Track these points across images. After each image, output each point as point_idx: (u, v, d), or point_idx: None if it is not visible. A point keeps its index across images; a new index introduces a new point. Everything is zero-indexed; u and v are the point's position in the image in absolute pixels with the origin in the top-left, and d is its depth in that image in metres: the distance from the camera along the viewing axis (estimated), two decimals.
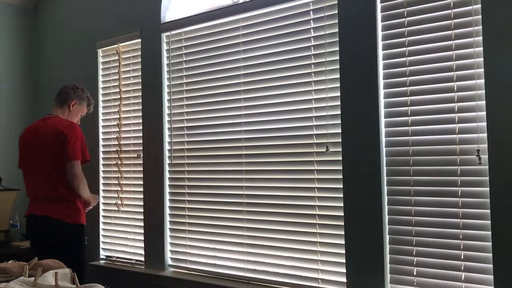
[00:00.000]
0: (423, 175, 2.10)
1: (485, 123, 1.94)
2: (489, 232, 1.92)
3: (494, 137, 1.91)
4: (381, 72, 2.23)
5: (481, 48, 1.96)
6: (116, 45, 3.31)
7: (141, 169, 3.16)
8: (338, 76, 2.35)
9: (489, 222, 1.92)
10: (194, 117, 2.94)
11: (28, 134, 2.91)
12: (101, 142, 3.47)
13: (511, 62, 1.89)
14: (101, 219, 3.44)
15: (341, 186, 2.32)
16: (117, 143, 3.31)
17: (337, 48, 2.36)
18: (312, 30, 2.47)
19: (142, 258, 3.13)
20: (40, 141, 2.79)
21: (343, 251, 2.31)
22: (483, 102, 1.95)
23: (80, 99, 2.98)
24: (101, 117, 3.48)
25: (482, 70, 1.96)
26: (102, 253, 3.42)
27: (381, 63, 2.23)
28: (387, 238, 2.19)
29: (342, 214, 2.32)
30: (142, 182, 3.13)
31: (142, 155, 3.13)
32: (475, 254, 1.97)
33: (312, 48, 2.47)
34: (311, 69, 2.47)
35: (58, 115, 2.92)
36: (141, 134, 3.18)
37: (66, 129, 2.76)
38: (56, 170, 2.74)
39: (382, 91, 2.22)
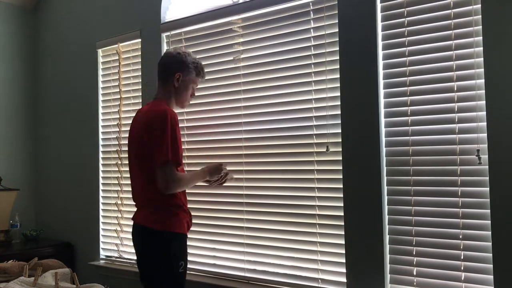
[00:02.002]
0: (423, 175, 2.10)
1: (485, 123, 1.94)
2: (489, 232, 1.92)
3: (494, 137, 1.91)
4: (381, 72, 2.23)
5: (481, 48, 1.96)
6: (116, 45, 3.31)
7: None
8: (338, 76, 2.35)
9: (489, 222, 1.92)
10: (194, 117, 2.94)
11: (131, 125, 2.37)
12: (101, 142, 3.47)
13: (511, 62, 1.89)
14: (101, 219, 3.44)
15: (341, 186, 2.32)
16: (117, 143, 3.31)
17: (337, 48, 2.36)
18: (312, 30, 2.47)
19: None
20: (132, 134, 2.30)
21: (343, 251, 2.31)
22: (483, 102, 1.95)
23: (185, 68, 2.27)
24: (101, 117, 3.48)
25: (482, 70, 1.96)
26: (102, 253, 3.42)
27: (381, 63, 2.23)
28: (387, 238, 2.19)
29: (342, 214, 2.32)
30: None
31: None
32: (475, 254, 1.97)
33: (312, 48, 2.47)
34: (311, 69, 2.47)
35: (160, 97, 2.28)
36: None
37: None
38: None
39: (382, 91, 2.23)
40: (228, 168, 2.73)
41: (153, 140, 2.09)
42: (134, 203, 2.31)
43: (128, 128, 3.24)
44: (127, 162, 3.25)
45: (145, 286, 2.22)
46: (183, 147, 2.97)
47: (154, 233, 2.12)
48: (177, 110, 2.33)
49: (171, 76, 2.26)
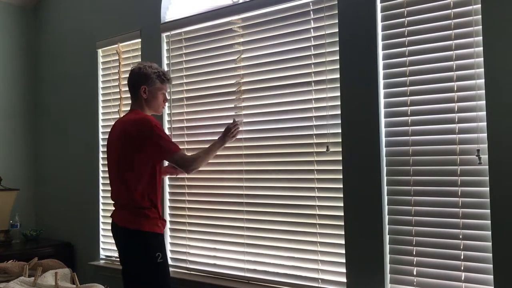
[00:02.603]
0: (423, 175, 2.10)
1: (485, 123, 1.94)
2: (489, 232, 1.92)
3: (494, 137, 1.91)
4: (381, 72, 2.23)
5: (481, 48, 1.96)
6: (116, 45, 3.30)
7: None
8: (338, 76, 2.35)
9: (489, 222, 1.92)
10: (194, 117, 2.94)
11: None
12: (101, 142, 3.47)
13: (511, 62, 1.89)
14: (101, 219, 3.44)
15: (341, 186, 2.32)
16: None
17: (337, 48, 2.36)
18: (312, 30, 2.47)
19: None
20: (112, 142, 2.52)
21: (343, 251, 2.31)
22: (483, 102, 1.95)
23: (148, 80, 2.47)
24: (101, 117, 3.48)
25: (482, 70, 1.96)
26: (102, 253, 3.42)
27: (381, 63, 2.23)
28: (387, 238, 2.19)
29: (342, 214, 2.32)
30: None
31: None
32: (475, 254, 1.97)
33: (312, 48, 2.47)
34: (311, 69, 2.47)
35: (134, 108, 2.50)
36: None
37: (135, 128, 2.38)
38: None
39: (382, 91, 2.22)
40: (228, 168, 2.74)
41: (149, 146, 2.35)
42: (113, 203, 2.51)
43: None
44: None
45: (126, 281, 2.44)
46: (183, 147, 2.97)
47: (132, 233, 2.34)
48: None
49: (138, 90, 2.48)
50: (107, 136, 3.39)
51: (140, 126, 2.36)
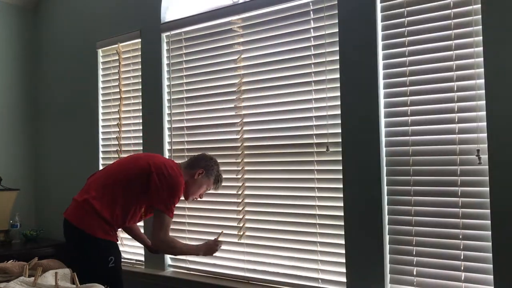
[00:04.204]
0: (423, 175, 2.10)
1: (485, 123, 1.94)
2: (489, 232, 1.92)
3: (494, 137, 1.91)
4: (381, 72, 2.23)
5: (481, 48, 1.96)
6: (116, 45, 3.30)
7: None
8: (338, 76, 2.35)
9: (489, 222, 1.92)
10: (194, 117, 2.94)
11: None
12: (101, 142, 3.47)
13: (511, 62, 1.89)
14: None
15: (341, 186, 2.32)
16: (117, 143, 3.31)
17: (337, 48, 2.36)
18: (312, 30, 2.47)
19: (142, 258, 3.13)
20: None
21: (343, 251, 2.31)
22: (483, 102, 1.95)
23: (209, 171, 2.47)
24: (101, 117, 3.48)
25: (482, 70, 1.96)
26: None
27: (381, 63, 2.23)
28: (387, 238, 2.19)
29: (342, 214, 2.32)
30: None
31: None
32: (475, 254, 1.97)
33: (312, 48, 2.47)
34: (311, 69, 2.47)
35: (183, 170, 2.43)
36: (141, 134, 3.18)
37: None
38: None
39: (382, 91, 2.22)
40: (228, 167, 2.73)
41: (161, 192, 2.25)
42: (77, 194, 2.41)
43: (128, 128, 3.27)
44: None
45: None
46: (183, 147, 2.98)
47: (86, 236, 2.23)
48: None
49: (197, 168, 2.44)
50: (107, 136, 3.42)
51: (169, 178, 2.27)
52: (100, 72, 3.51)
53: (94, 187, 2.34)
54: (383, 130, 2.21)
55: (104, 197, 2.28)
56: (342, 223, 2.31)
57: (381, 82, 2.23)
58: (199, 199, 2.54)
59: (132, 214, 2.35)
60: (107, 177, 2.37)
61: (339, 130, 2.34)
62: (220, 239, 2.51)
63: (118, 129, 3.30)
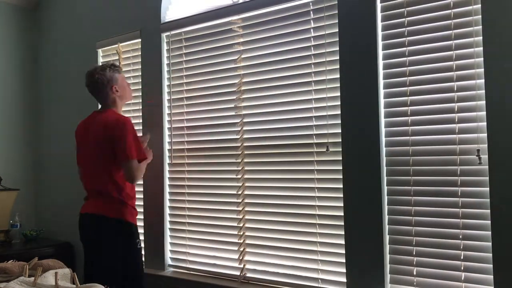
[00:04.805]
0: (423, 175, 2.10)
1: (485, 123, 1.94)
2: (489, 232, 1.92)
3: (494, 137, 1.91)
4: (381, 72, 2.23)
5: (481, 48, 1.96)
6: (116, 45, 3.30)
7: None
8: (338, 76, 2.35)
9: (489, 222, 1.92)
10: (194, 117, 2.94)
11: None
12: None
13: (511, 62, 1.89)
14: None
15: (341, 186, 2.32)
16: None
17: (337, 48, 2.36)
18: (312, 30, 2.47)
19: (142, 258, 3.13)
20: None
21: (343, 251, 2.31)
22: (483, 102, 1.95)
23: (112, 79, 2.64)
24: None
25: (482, 70, 1.96)
26: None
27: (381, 63, 2.23)
28: (387, 238, 2.19)
29: (342, 214, 2.32)
30: (142, 182, 3.13)
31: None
32: (475, 254, 1.97)
33: (312, 48, 2.47)
34: (311, 69, 2.47)
35: (110, 106, 2.67)
36: (141, 134, 3.17)
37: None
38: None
39: (382, 91, 2.22)
40: (228, 168, 2.74)
41: (117, 144, 2.48)
42: (87, 194, 2.65)
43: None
44: None
45: (89, 273, 2.52)
46: (183, 147, 2.98)
47: (110, 220, 2.48)
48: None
49: (109, 91, 2.64)
50: None
51: (123, 126, 2.50)
52: None
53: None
54: (383, 130, 2.21)
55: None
56: (342, 223, 2.31)
57: (381, 82, 2.23)
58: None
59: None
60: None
61: (339, 130, 2.34)
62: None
63: None
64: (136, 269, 2.59)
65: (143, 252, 3.09)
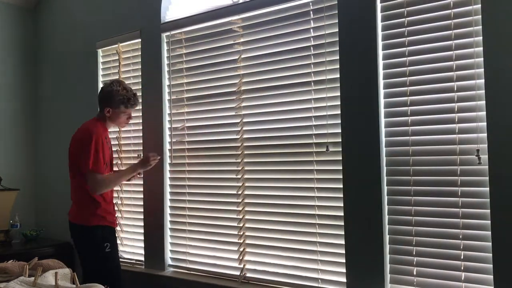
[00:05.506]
0: (423, 175, 2.10)
1: (485, 123, 1.94)
2: (489, 232, 1.92)
3: (494, 137, 1.91)
4: (381, 72, 2.23)
5: (481, 48, 1.96)
6: (116, 45, 3.30)
7: None
8: (338, 76, 2.35)
9: (489, 222, 1.92)
10: (194, 117, 2.94)
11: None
12: None
13: (511, 62, 1.89)
14: None
15: (341, 186, 2.32)
16: (117, 143, 3.31)
17: (337, 48, 2.36)
18: (312, 30, 2.47)
19: (142, 258, 3.13)
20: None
21: (343, 251, 2.31)
22: (483, 102, 1.95)
23: (112, 104, 2.68)
24: None
25: (482, 70, 1.96)
26: None
27: (381, 63, 2.23)
28: (387, 238, 2.19)
29: (342, 214, 2.32)
30: (142, 182, 3.13)
31: (142, 155, 3.13)
32: (475, 254, 1.97)
33: (312, 48, 2.47)
34: (311, 69, 2.47)
35: (99, 117, 2.74)
36: (141, 134, 3.18)
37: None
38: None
39: (382, 91, 2.22)
40: (228, 168, 2.74)
41: (80, 153, 2.57)
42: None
43: (128, 128, 3.27)
44: (127, 162, 3.27)
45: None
46: (183, 147, 2.97)
47: (79, 227, 2.63)
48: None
49: (103, 109, 2.70)
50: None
51: (87, 136, 2.57)
52: (100, 72, 3.51)
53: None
54: (383, 130, 2.21)
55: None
56: (342, 223, 2.31)
57: (381, 82, 2.23)
58: (128, 123, 2.84)
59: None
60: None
61: (339, 130, 2.34)
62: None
63: (118, 129, 3.30)
64: (109, 275, 2.55)
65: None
